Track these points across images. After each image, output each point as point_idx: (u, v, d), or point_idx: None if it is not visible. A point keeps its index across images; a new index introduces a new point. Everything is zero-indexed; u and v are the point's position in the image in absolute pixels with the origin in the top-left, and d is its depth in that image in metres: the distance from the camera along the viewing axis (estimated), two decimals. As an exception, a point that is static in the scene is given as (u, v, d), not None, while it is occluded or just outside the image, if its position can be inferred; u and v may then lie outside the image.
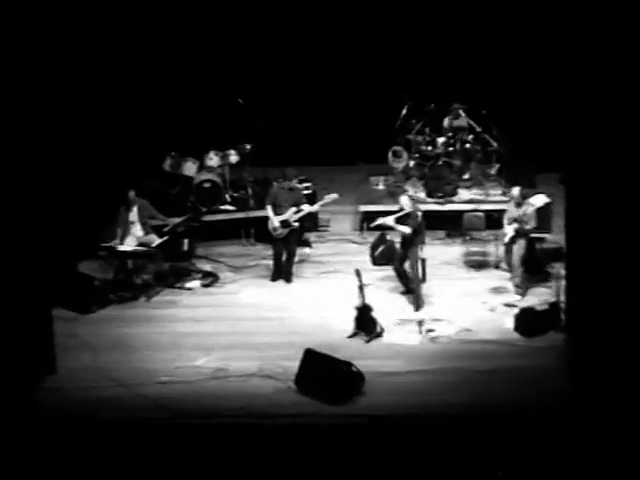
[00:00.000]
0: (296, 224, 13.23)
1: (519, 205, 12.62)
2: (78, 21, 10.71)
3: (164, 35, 12.33)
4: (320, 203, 13.52)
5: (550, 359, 10.87)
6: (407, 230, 12.28)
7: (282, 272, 13.43)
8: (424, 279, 12.31)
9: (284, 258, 13.42)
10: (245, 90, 15.28)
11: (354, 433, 9.65)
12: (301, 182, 14.45)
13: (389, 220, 12.46)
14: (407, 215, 12.36)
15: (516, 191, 12.74)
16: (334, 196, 13.43)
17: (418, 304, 12.29)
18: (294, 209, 13.19)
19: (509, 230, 12.55)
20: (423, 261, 12.29)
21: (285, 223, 13.18)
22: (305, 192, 14.20)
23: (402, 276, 12.64)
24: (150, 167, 15.07)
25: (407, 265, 12.48)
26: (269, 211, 13.29)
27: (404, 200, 12.51)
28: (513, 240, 12.55)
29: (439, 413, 10.00)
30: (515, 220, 12.51)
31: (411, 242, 12.28)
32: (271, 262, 13.57)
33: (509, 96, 15.48)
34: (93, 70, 13.44)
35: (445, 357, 11.19)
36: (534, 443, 9.22)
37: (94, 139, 13.82)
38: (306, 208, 13.26)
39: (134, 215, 13.30)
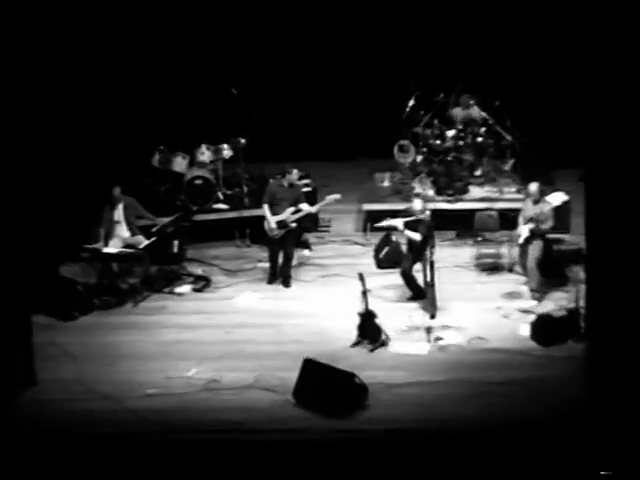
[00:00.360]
0: (294, 224, 13.25)
1: (535, 203, 12.64)
2: (57, 14, 10.79)
3: (151, 21, 12.40)
4: (320, 204, 13.55)
5: (568, 370, 10.88)
6: (417, 237, 12.29)
7: (279, 276, 13.47)
8: (432, 283, 12.33)
9: (281, 261, 13.45)
10: (239, 79, 15.31)
11: (357, 449, 9.67)
12: (300, 179, 14.47)
13: (398, 223, 12.42)
14: (418, 221, 12.35)
15: (532, 188, 12.74)
16: (335, 196, 13.44)
17: (433, 311, 12.31)
18: (292, 209, 13.21)
19: (524, 230, 12.57)
20: (431, 264, 12.31)
21: (282, 223, 13.21)
22: (304, 190, 14.23)
23: (410, 281, 12.66)
24: (137, 163, 15.09)
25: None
26: (265, 210, 13.32)
27: (417, 205, 12.49)
28: (529, 241, 12.57)
29: (448, 428, 10.01)
30: (531, 219, 12.53)
31: (422, 246, 12.28)
32: (267, 265, 13.60)
33: (524, 85, 15.50)
34: (73, 59, 13.46)
35: (455, 367, 11.20)
36: (550, 460, 9.24)
37: (76, 132, 13.84)
38: (305, 208, 13.29)
39: (119, 214, 13.33)
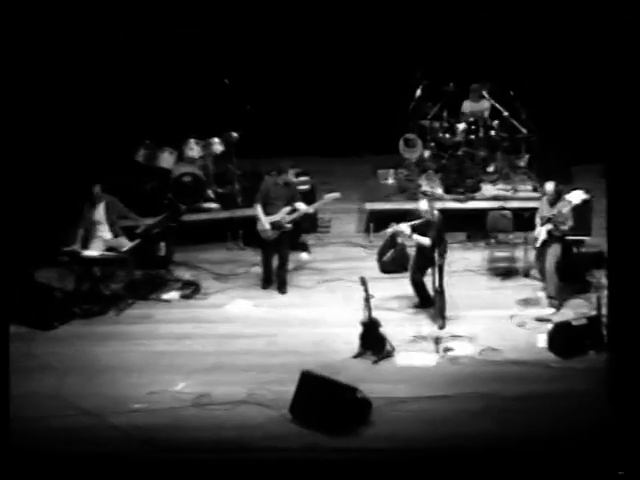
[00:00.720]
0: (290, 225, 13.25)
1: (553, 202, 12.64)
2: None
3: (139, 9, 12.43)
4: (318, 203, 13.55)
5: (589, 384, 10.87)
6: (427, 242, 12.25)
7: (274, 281, 13.48)
8: (441, 289, 12.32)
9: (276, 265, 13.46)
10: (232, 68, 15.31)
11: (359, 470, 9.67)
12: (297, 176, 14.48)
13: (404, 228, 12.37)
14: (426, 223, 12.32)
15: (549, 187, 12.75)
16: (335, 195, 13.43)
17: (442, 319, 12.30)
18: (288, 208, 13.21)
19: (541, 232, 12.57)
20: (440, 269, 12.30)
21: (277, 224, 13.21)
22: (301, 188, 14.23)
23: (419, 287, 12.65)
24: (120, 158, 15.09)
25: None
26: (259, 210, 13.31)
27: (423, 205, 12.46)
28: (546, 243, 12.57)
29: (459, 447, 9.99)
30: (549, 220, 12.53)
31: (431, 249, 12.25)
32: (261, 269, 13.61)
33: (540, 73, 15.51)
34: (46, 47, 13.48)
35: (466, 381, 11.19)
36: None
37: (53, 125, 13.84)
38: (302, 208, 13.28)
39: (100, 214, 13.32)
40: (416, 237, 12.33)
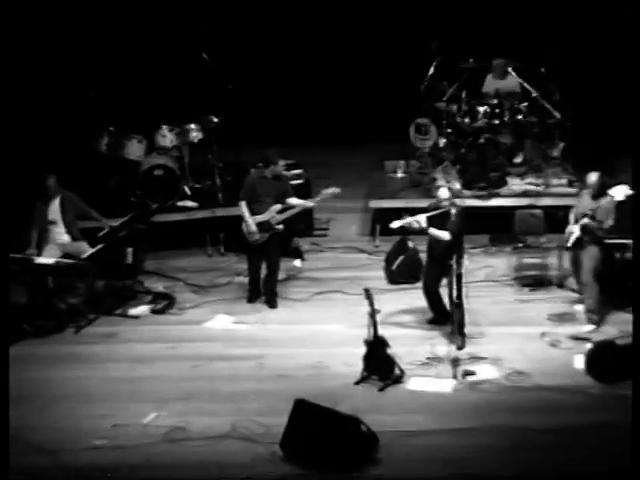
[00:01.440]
0: (280, 227, 13.24)
1: (596, 197, 12.54)
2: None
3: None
4: (314, 200, 13.54)
5: (636, 413, 10.84)
6: (446, 237, 12.21)
7: (262, 293, 13.49)
8: (460, 302, 12.32)
9: (264, 274, 13.45)
10: (211, 40, 15.31)
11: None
12: (289, 169, 14.47)
13: (420, 219, 12.30)
14: (445, 215, 12.27)
15: (592, 178, 12.64)
16: (334, 191, 13.42)
17: (461, 338, 12.29)
18: (278, 206, 13.21)
19: (575, 229, 12.49)
20: (458, 278, 12.30)
21: (266, 225, 13.20)
22: (294, 182, 14.23)
23: (434, 300, 12.65)
24: (78, 147, 15.08)
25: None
26: (244, 209, 13.30)
27: (444, 193, 12.40)
28: (582, 245, 12.52)
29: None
30: (585, 215, 12.44)
31: (446, 254, 12.19)
32: (247, 279, 13.60)
33: (577, 46, 15.51)
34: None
35: (489, 411, 11.18)
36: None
37: None
38: (295, 205, 13.28)
39: (55, 212, 13.33)
40: (433, 231, 12.26)
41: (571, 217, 12.73)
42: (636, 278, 11.10)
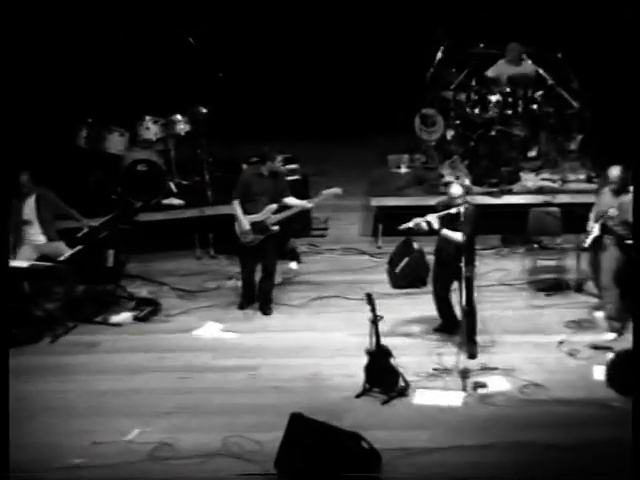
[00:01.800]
0: (276, 227, 13.25)
1: (618, 193, 12.52)
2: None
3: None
4: (313, 200, 13.54)
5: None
6: (459, 238, 12.19)
7: (257, 299, 13.49)
8: (470, 308, 12.33)
9: (258, 278, 13.46)
10: (199, 24, 15.32)
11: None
12: (285, 164, 14.47)
13: (431, 219, 12.24)
14: (456, 215, 12.24)
15: (614, 173, 12.61)
16: (335, 191, 13.41)
17: (471, 347, 12.31)
18: (274, 206, 13.21)
19: (594, 228, 12.50)
20: (468, 281, 12.32)
21: (260, 226, 13.21)
22: (290, 179, 14.24)
23: (443, 306, 12.67)
24: (56, 140, 15.08)
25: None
26: (237, 208, 13.31)
27: (456, 189, 12.35)
28: (601, 245, 12.52)
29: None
30: (605, 214, 12.44)
31: (455, 256, 12.18)
32: (239, 283, 13.61)
33: (598, 30, 15.53)
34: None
35: (502, 426, 11.18)
36: None
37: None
38: (292, 205, 13.30)
39: (31, 211, 13.34)
40: (445, 232, 12.20)
41: (591, 216, 12.73)
42: (636, 278, 11.10)
